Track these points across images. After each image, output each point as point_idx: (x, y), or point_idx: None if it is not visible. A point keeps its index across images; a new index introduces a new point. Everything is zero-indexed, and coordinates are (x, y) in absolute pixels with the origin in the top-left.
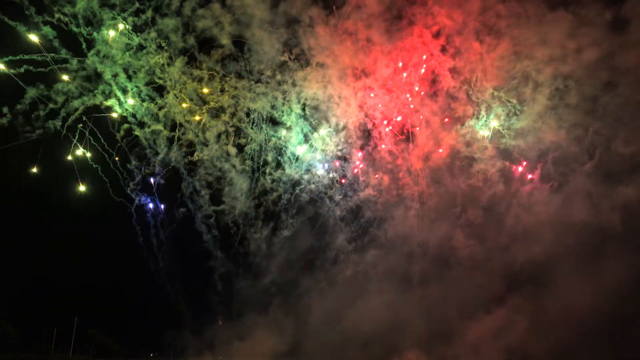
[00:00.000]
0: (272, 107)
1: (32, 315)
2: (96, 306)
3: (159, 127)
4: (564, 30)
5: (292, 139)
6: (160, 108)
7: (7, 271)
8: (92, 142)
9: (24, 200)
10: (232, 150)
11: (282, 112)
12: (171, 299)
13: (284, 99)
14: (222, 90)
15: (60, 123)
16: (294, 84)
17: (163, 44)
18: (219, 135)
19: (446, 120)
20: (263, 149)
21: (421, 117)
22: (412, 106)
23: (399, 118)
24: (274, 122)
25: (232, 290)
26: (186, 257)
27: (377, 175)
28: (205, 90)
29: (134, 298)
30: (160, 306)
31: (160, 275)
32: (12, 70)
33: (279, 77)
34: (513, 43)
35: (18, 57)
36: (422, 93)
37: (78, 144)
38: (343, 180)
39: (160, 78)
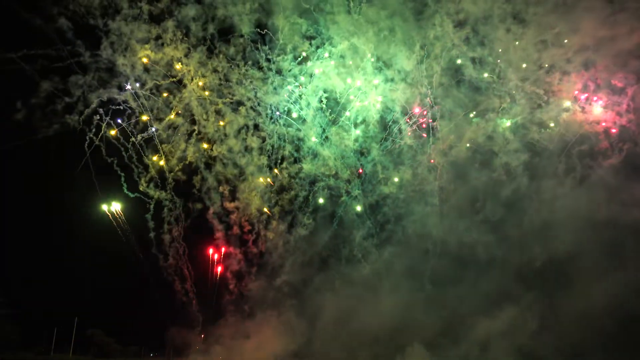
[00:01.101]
0: (290, 100)
1: (32, 315)
2: (96, 306)
3: (179, 120)
4: (596, 17)
5: (310, 133)
6: (179, 101)
7: (7, 271)
8: (107, 136)
9: (31, 198)
10: (253, 144)
11: (300, 105)
12: (177, 297)
13: (302, 92)
14: (240, 83)
15: (77, 117)
16: (312, 75)
17: (180, 35)
18: (238, 130)
19: (469, 113)
20: (279, 144)
21: (442, 109)
22: (433, 98)
23: (419, 111)
24: (292, 116)
25: (240, 289)
26: (196, 254)
27: (396, 170)
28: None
29: (135, 297)
30: (162, 305)
31: (168, 273)
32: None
33: (296, 69)
34: (540, 31)
35: (33, 52)
36: (444, 85)
37: (94, 138)
38: (360, 171)
39: (178, 70)
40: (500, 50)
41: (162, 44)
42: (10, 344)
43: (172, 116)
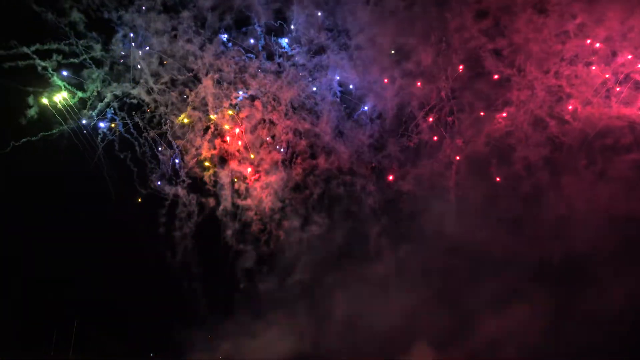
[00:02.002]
0: (305, 94)
1: (32, 315)
2: (96, 306)
3: (194, 114)
4: (622, 7)
5: (325, 128)
6: (195, 95)
7: (7, 271)
8: (120, 131)
9: (38, 196)
10: (268, 139)
11: (315, 99)
12: (182, 296)
13: (318, 85)
14: (255, 76)
15: (92, 113)
16: (326, 68)
17: (195, 27)
18: (255, 125)
19: (486, 108)
20: (294, 140)
21: (460, 103)
22: (451, 92)
23: (437, 105)
24: (306, 109)
25: (249, 288)
26: (206, 252)
27: (413, 165)
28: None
29: (137, 297)
30: (163, 305)
31: (174, 271)
32: (41, 61)
33: (311, 62)
34: (562, 22)
35: (46, 47)
36: (463, 78)
37: (107, 133)
38: (373, 165)
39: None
40: (520, 41)
41: (175, 36)
42: (10, 344)
43: (188, 110)
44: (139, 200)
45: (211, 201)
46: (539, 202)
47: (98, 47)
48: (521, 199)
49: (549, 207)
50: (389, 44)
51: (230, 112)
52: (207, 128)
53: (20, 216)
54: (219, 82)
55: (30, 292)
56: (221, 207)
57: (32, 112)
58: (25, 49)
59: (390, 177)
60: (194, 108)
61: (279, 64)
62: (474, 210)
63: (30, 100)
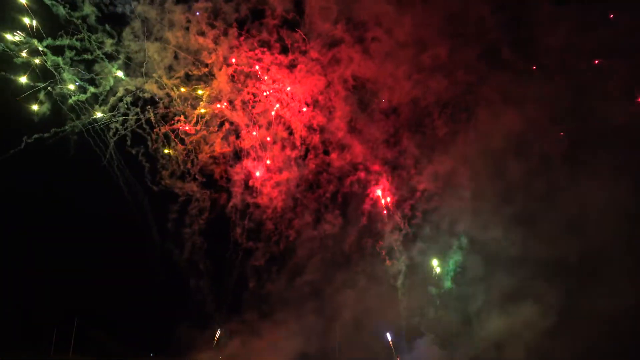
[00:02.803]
0: (319, 89)
1: (32, 315)
2: (96, 306)
3: (210, 107)
4: None
5: (338, 123)
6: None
7: (7, 271)
8: (132, 127)
9: (45, 196)
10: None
11: (327, 94)
12: (188, 295)
13: (332, 79)
14: (268, 70)
15: (105, 108)
16: (339, 61)
17: (210, 20)
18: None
19: (504, 101)
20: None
21: (477, 97)
22: (468, 86)
23: (453, 99)
24: (317, 104)
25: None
26: (214, 251)
27: (427, 161)
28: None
29: (138, 296)
30: (164, 304)
31: (181, 270)
32: (53, 57)
33: (324, 55)
34: (584, 12)
35: (58, 42)
36: (480, 71)
37: (118, 127)
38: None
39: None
40: (537, 33)
41: (187, 28)
42: (10, 344)
43: (201, 105)
44: (146, 197)
45: (223, 198)
46: (555, 198)
47: (111, 41)
48: (537, 195)
49: (565, 203)
50: (406, 36)
51: (243, 107)
52: (222, 124)
53: (20, 215)
54: (232, 77)
55: (30, 292)
56: (231, 204)
57: (44, 108)
58: (37, 44)
59: (405, 173)
60: (209, 102)
61: (292, 58)
62: (488, 207)
63: (42, 96)
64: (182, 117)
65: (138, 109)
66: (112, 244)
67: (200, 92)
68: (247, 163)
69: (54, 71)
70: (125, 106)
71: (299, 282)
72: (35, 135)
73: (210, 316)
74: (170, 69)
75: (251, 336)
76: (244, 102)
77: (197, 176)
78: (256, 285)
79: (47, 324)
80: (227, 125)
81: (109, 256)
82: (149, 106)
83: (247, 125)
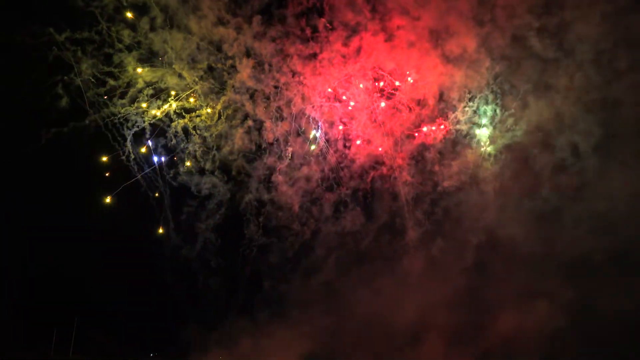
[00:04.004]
0: (339, 80)
1: (32, 315)
2: (96, 306)
3: (232, 98)
4: None
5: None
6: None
7: (7, 271)
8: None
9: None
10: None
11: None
12: (194, 293)
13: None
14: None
15: (124, 101)
16: (359, 51)
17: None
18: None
19: (533, 91)
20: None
21: (504, 88)
22: (494, 76)
23: (477, 91)
24: (336, 98)
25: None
26: (228, 248)
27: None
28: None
29: (140, 296)
30: (165, 304)
31: (191, 267)
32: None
33: (344, 46)
34: None
35: (77, 35)
36: (507, 61)
37: (137, 120)
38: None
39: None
40: (569, 21)
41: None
42: (10, 344)
43: (224, 99)
44: (165, 192)
45: (239, 195)
46: (582, 194)
47: (129, 32)
48: (563, 191)
49: (592, 200)
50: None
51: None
52: (245, 119)
53: (19, 214)
54: (255, 68)
55: (30, 292)
56: (246, 200)
57: (62, 102)
58: (55, 35)
59: (428, 168)
60: (231, 95)
61: (313, 49)
62: (513, 204)
63: (60, 89)
64: (203, 111)
65: (159, 102)
66: (118, 241)
67: (219, 85)
68: (268, 158)
69: (72, 63)
70: (146, 99)
71: (314, 281)
72: (54, 130)
73: (221, 316)
74: (192, 60)
75: (262, 336)
76: (264, 95)
77: (216, 171)
78: (270, 284)
79: (47, 324)
80: (250, 121)
81: (115, 254)
82: (170, 98)
83: (271, 119)
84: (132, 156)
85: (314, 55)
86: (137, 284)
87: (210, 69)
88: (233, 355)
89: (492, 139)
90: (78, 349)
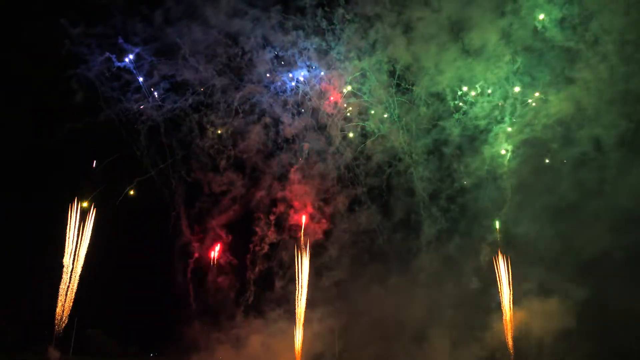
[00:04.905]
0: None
1: (31, 315)
2: (96, 306)
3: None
4: None
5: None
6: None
7: (7, 270)
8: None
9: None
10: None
11: (369, 84)
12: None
13: (366, 66)
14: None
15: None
16: (375, 44)
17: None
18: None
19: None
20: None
21: (523, 82)
22: (515, 69)
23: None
24: (354, 94)
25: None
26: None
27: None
28: None
29: (139, 296)
30: (165, 304)
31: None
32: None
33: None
34: None
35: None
36: (528, 53)
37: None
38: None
39: None
40: (593, 10)
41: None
42: (10, 344)
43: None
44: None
45: (254, 191)
46: (601, 191)
47: (143, 26)
48: (583, 188)
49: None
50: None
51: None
52: (262, 114)
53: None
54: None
55: (30, 292)
56: (261, 197)
57: (77, 97)
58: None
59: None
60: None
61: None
62: (529, 200)
63: (75, 84)
64: (219, 106)
65: (176, 97)
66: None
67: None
68: (283, 155)
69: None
70: (161, 93)
71: (326, 281)
72: (68, 125)
73: (231, 316)
74: (209, 55)
75: (271, 335)
76: (279, 89)
77: (230, 168)
78: (281, 283)
79: (47, 324)
80: (266, 118)
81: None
82: (187, 92)
83: (288, 114)
84: (146, 151)
85: (329, 49)
86: (146, 283)
87: (229, 60)
88: (240, 355)
89: (510, 134)
90: (78, 349)
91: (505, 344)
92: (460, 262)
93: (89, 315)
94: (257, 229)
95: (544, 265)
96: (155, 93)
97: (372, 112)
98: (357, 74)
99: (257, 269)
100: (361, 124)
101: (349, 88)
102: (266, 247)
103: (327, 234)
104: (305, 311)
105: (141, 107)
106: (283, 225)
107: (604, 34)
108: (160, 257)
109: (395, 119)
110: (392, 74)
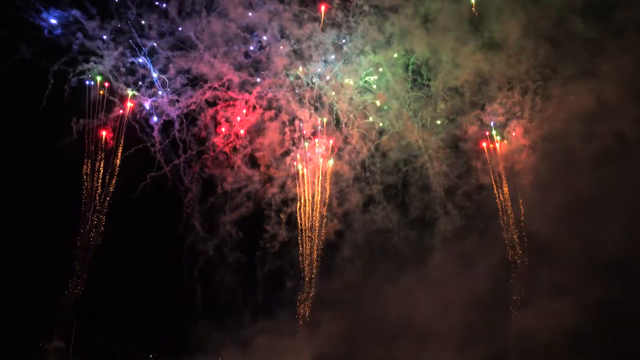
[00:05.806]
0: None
1: (31, 315)
2: (96, 306)
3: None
4: None
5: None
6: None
7: (7, 271)
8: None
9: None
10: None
11: (386, 79)
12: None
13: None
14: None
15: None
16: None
17: None
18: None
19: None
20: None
21: (545, 74)
22: (535, 62)
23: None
24: (366, 89)
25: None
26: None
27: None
28: None
29: (141, 296)
30: (166, 304)
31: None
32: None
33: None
34: None
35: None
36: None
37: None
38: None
39: None
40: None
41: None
42: (10, 344)
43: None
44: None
45: (267, 189)
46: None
47: (158, 19)
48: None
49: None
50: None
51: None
52: (278, 111)
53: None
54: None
55: (31, 292)
56: (273, 194)
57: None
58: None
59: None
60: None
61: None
62: (547, 198)
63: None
64: (235, 102)
65: (192, 92)
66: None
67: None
68: (297, 153)
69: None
70: (177, 87)
71: (338, 282)
72: (82, 121)
73: (239, 316)
74: (227, 51)
75: (280, 337)
76: (295, 85)
77: (244, 165)
78: (292, 285)
79: (47, 324)
80: (284, 116)
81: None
82: (205, 86)
83: (305, 111)
84: (160, 147)
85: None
86: (150, 283)
87: (246, 56)
88: (246, 355)
89: (529, 130)
90: (78, 349)
91: (519, 343)
92: (476, 261)
93: (89, 315)
94: (268, 227)
95: (561, 264)
96: (169, 88)
97: (386, 107)
98: (371, 68)
99: (266, 268)
100: (376, 121)
101: (364, 82)
102: (277, 245)
103: (339, 233)
104: (315, 312)
105: (156, 101)
106: (296, 224)
107: (628, 24)
108: (168, 256)
109: (411, 115)
110: (408, 68)
